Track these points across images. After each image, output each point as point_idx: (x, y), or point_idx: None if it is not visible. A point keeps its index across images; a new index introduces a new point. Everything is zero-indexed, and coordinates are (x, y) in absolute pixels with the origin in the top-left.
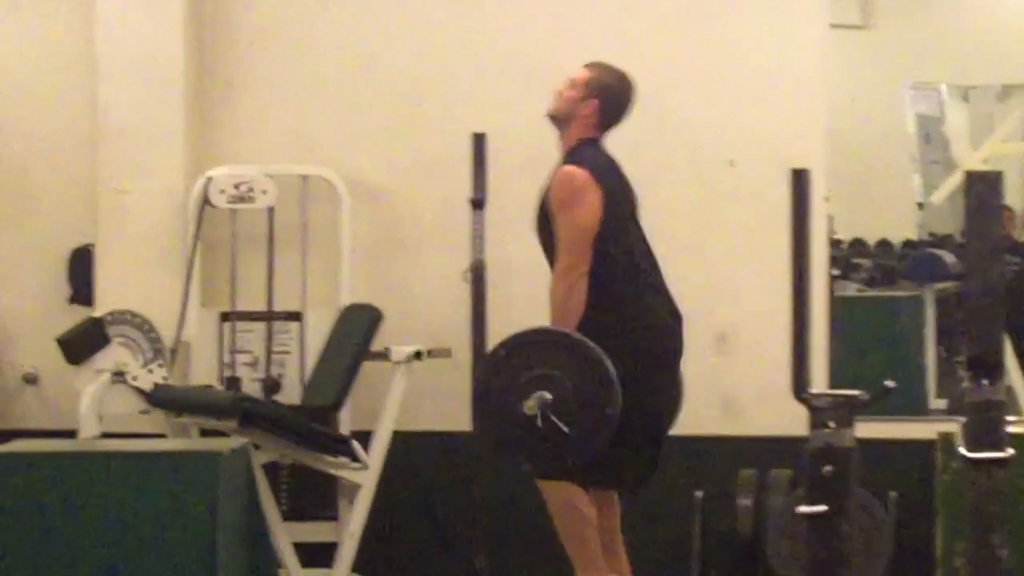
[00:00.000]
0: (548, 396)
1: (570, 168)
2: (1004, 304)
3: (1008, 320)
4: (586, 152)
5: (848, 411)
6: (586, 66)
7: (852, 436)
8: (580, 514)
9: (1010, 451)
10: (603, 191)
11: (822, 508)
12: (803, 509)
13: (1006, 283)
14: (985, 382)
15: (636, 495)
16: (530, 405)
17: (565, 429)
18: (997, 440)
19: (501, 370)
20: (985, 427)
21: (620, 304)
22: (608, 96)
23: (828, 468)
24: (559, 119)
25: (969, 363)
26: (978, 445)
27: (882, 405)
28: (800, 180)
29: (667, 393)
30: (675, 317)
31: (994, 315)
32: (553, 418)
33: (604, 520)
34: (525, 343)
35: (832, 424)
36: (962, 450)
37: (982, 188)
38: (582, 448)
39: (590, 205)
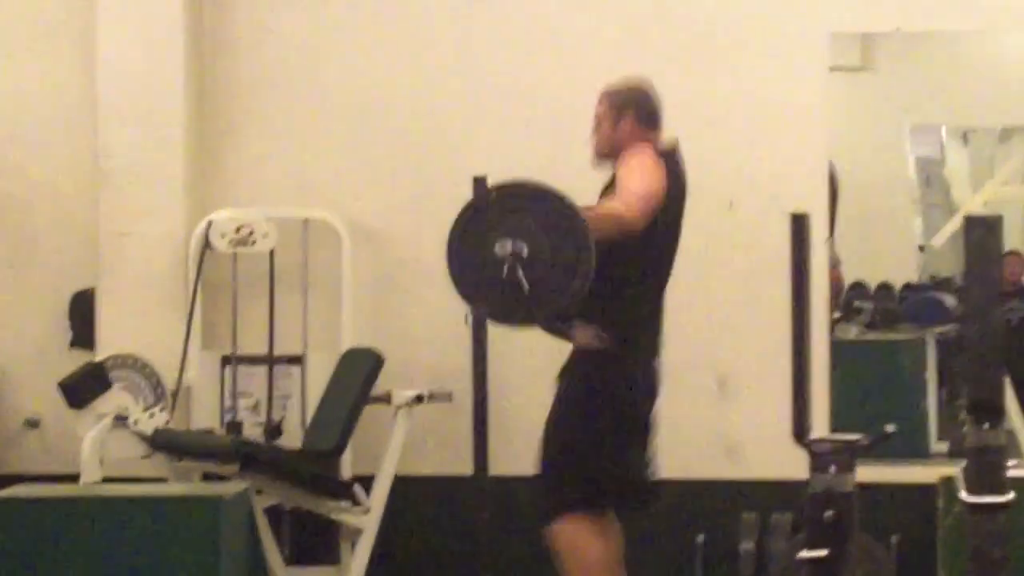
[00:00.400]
0: (524, 247)
1: (649, 150)
2: (1006, 348)
3: (1010, 364)
4: (657, 149)
5: (849, 455)
6: (600, 97)
7: (853, 481)
8: (586, 555)
9: (1011, 495)
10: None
11: (823, 553)
12: (804, 554)
13: (1012, 328)
14: (985, 426)
15: (640, 512)
16: (503, 249)
17: (525, 286)
18: (998, 484)
19: (485, 212)
20: (986, 471)
21: (631, 305)
22: (636, 103)
23: (829, 513)
24: (610, 154)
25: (969, 407)
26: (979, 489)
27: (884, 448)
28: (799, 224)
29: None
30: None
31: (994, 358)
32: (520, 272)
33: (605, 554)
34: (516, 192)
35: (833, 469)
36: (963, 494)
37: (981, 232)
38: (544, 305)
39: (661, 178)
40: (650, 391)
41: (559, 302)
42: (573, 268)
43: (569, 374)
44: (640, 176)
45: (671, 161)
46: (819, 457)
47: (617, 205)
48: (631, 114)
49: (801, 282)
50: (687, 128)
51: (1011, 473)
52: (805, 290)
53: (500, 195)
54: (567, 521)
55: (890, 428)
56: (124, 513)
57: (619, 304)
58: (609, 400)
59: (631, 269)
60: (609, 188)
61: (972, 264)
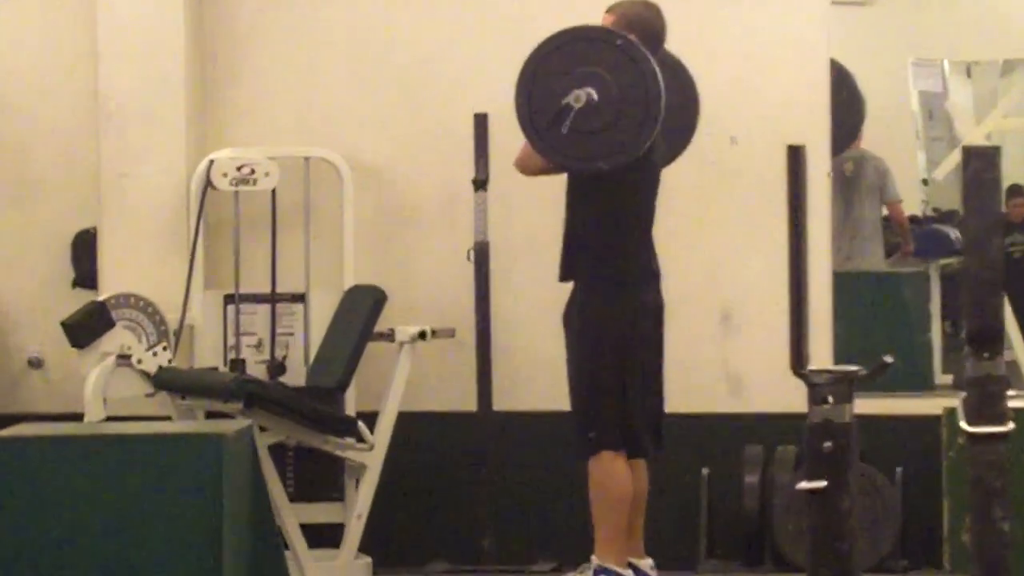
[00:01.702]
0: (593, 94)
1: None
2: (1009, 282)
3: (1013, 298)
4: None
5: (847, 387)
6: (607, 12)
7: (851, 411)
8: (618, 490)
9: (1011, 425)
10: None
11: (822, 484)
12: (803, 485)
13: (1015, 261)
14: (985, 356)
15: (659, 451)
16: (577, 96)
17: (563, 129)
18: (998, 414)
19: (552, 60)
20: (985, 401)
21: (632, 248)
22: (642, 26)
23: (827, 444)
24: None
25: (968, 338)
26: (979, 420)
27: (889, 381)
28: (796, 157)
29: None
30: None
31: (993, 290)
32: (568, 121)
33: (634, 491)
34: (577, 39)
35: (831, 400)
36: (963, 424)
37: (979, 164)
38: (623, 146)
39: None
40: (648, 309)
41: (641, 138)
42: (643, 116)
43: (571, 313)
44: None
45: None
46: (817, 389)
47: None
48: (637, 34)
49: (798, 214)
50: (689, 63)
51: (1014, 404)
52: (802, 222)
53: (561, 42)
54: (601, 457)
55: (888, 359)
56: (126, 452)
57: (606, 230)
58: (612, 329)
59: (613, 199)
60: None
61: (970, 196)
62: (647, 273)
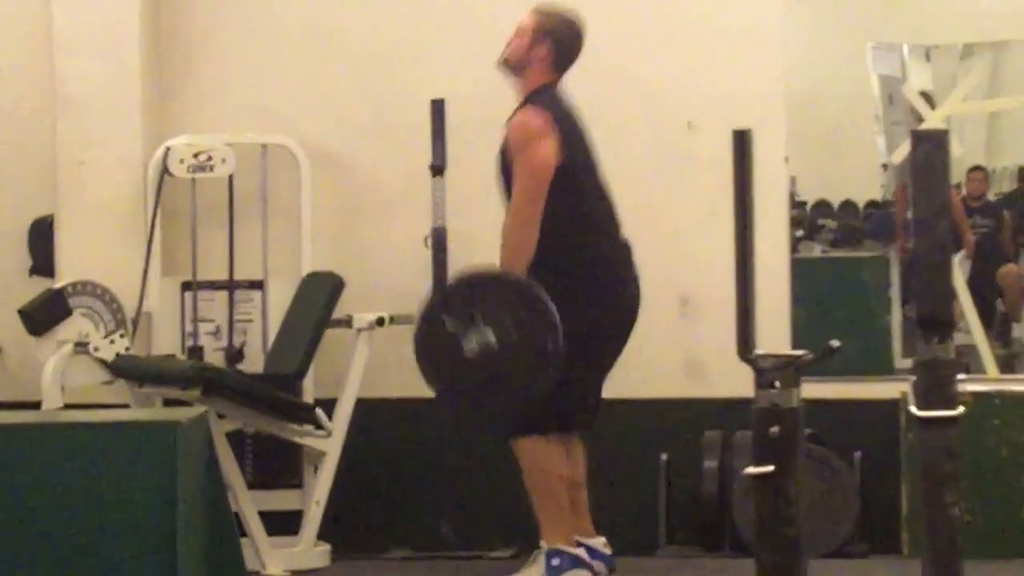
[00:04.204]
0: (492, 338)
1: (528, 111)
2: (969, 264)
3: (974, 280)
4: (544, 96)
5: (793, 371)
6: (532, 11)
7: (798, 396)
8: (551, 472)
9: (960, 409)
10: (561, 136)
11: (769, 468)
12: (750, 470)
13: (976, 244)
14: (935, 340)
15: (591, 431)
16: (471, 348)
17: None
18: (947, 398)
19: (442, 314)
20: (935, 386)
21: (570, 250)
22: (558, 37)
23: (774, 428)
24: (512, 67)
25: (919, 322)
26: (928, 404)
27: (849, 365)
28: (742, 141)
29: (610, 330)
30: (630, 265)
31: (943, 273)
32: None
33: (570, 471)
34: (465, 286)
35: (778, 384)
36: (913, 409)
37: (928, 147)
38: (526, 389)
39: (547, 148)
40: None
41: (543, 377)
42: (543, 337)
43: None
44: (523, 190)
45: (564, 116)
46: (763, 373)
47: (511, 224)
48: (550, 45)
49: (744, 198)
50: (646, 48)
51: (970, 387)
52: (748, 206)
53: (449, 294)
54: (532, 438)
55: (834, 343)
56: (83, 439)
57: (563, 248)
58: (572, 317)
59: (561, 217)
60: (505, 163)
61: (919, 179)
62: (610, 262)
